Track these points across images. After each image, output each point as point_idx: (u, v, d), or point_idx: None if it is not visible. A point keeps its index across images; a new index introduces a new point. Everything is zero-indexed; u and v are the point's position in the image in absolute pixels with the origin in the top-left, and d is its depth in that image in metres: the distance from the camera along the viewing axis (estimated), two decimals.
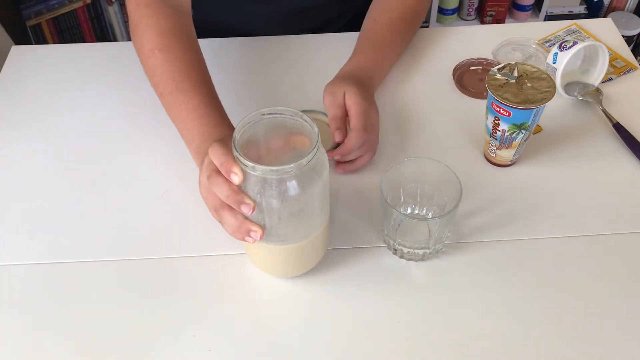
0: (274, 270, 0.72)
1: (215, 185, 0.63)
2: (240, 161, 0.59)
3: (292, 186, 0.60)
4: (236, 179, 0.61)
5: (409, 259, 0.72)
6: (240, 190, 0.61)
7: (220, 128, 0.74)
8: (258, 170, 0.59)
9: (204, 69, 0.81)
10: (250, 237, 0.64)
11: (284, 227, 0.64)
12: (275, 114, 0.63)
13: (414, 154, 0.73)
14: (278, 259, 0.69)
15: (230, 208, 0.63)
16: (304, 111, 0.63)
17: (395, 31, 0.92)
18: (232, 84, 0.94)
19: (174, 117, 0.78)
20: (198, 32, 0.86)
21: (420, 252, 0.71)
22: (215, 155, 0.62)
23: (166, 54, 0.79)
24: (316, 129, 0.61)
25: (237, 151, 0.59)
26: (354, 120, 0.78)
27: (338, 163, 0.80)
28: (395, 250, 0.72)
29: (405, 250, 0.71)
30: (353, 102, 0.79)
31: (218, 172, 0.63)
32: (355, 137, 0.77)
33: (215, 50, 0.99)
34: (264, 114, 0.62)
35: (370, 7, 0.94)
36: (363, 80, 0.84)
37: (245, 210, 0.62)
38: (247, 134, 0.62)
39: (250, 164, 0.58)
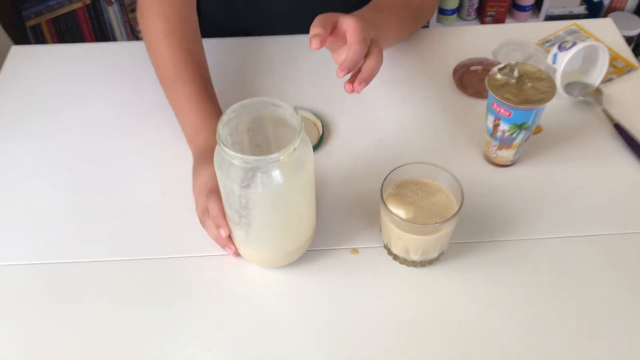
0: (258, 259, 0.72)
1: (206, 226, 0.72)
2: (225, 152, 0.59)
3: (276, 176, 0.60)
4: (223, 233, 0.69)
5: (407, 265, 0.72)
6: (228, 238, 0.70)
7: (211, 121, 0.79)
8: (241, 160, 0.59)
9: (202, 59, 0.85)
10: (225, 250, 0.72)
11: (265, 219, 0.65)
12: (258, 104, 0.63)
13: (414, 155, 0.73)
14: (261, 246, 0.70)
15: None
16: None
17: (397, 15, 0.88)
18: (230, 84, 0.94)
19: (171, 102, 0.83)
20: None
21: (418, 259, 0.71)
22: (213, 208, 0.69)
23: (170, 40, 0.82)
24: (299, 117, 0.61)
25: (222, 144, 0.59)
26: (352, 34, 0.68)
27: (347, 83, 0.69)
28: (396, 256, 0.72)
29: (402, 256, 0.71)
30: (351, 20, 0.69)
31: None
32: (356, 49, 0.67)
33: (211, 51, 0.99)
34: (245, 105, 0.63)
35: None
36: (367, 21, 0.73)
37: (228, 251, 0.72)
38: (231, 125, 0.63)
39: (233, 154, 0.59)
